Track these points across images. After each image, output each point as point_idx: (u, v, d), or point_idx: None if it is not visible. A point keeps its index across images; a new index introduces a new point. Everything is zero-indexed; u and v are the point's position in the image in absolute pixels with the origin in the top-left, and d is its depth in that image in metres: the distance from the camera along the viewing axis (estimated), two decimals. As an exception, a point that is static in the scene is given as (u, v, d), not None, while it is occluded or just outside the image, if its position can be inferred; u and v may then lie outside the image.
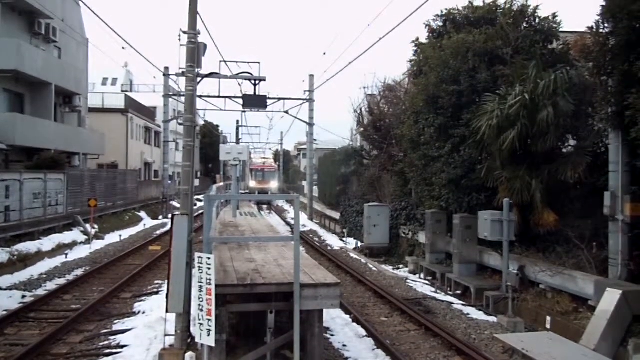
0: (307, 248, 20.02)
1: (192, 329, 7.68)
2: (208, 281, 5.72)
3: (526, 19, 14.45)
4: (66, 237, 19.61)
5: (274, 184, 46.61)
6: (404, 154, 19.67)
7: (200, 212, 23.61)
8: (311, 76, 31.91)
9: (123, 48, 36.00)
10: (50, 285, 13.24)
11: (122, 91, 48.37)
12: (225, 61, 20.15)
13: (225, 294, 6.37)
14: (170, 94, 33.13)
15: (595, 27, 10.09)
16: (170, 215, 18.89)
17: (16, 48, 21.42)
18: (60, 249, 17.94)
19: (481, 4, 15.79)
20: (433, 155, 14.96)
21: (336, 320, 10.40)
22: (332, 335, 9.59)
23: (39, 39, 25.07)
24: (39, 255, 16.37)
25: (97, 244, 20.05)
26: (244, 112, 33.61)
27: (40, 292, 12.52)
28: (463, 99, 13.93)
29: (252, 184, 46.03)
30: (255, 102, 20.72)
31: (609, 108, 9.87)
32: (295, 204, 6.79)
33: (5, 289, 12.43)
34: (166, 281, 7.77)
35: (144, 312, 10.71)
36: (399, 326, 10.34)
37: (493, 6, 15.41)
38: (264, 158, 58.72)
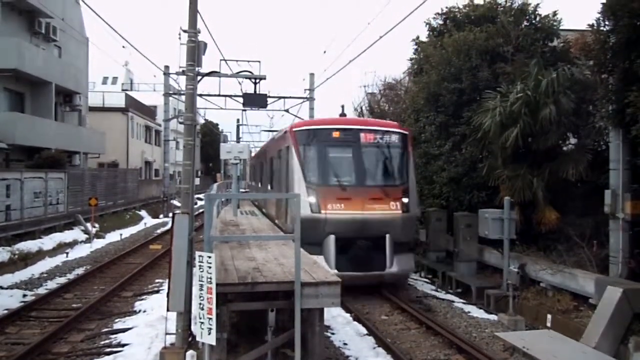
0: (307, 246, 19.96)
1: (193, 327, 7.68)
2: (209, 280, 5.71)
3: (527, 17, 14.47)
4: (67, 236, 19.62)
5: (412, 203, 12.48)
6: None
7: (201, 210, 23.63)
8: (311, 75, 31.84)
9: (123, 47, 35.91)
10: (51, 284, 13.25)
11: (123, 90, 48.37)
12: (225, 60, 20.14)
13: (226, 292, 6.37)
14: (171, 92, 33.10)
15: (595, 25, 10.09)
16: (170, 214, 18.93)
17: (16, 47, 21.42)
18: (61, 247, 17.95)
19: (482, 2, 15.80)
20: (434, 153, 14.96)
21: (337, 318, 10.39)
22: (333, 333, 9.59)
23: (39, 38, 25.07)
24: (40, 254, 16.38)
25: (98, 243, 20.06)
26: (244, 110, 33.48)
27: (41, 291, 12.53)
28: (464, 96, 13.94)
29: (310, 199, 11.72)
30: (255, 100, 20.69)
31: (609, 106, 9.87)
32: (296, 202, 6.78)
33: (6, 288, 12.44)
34: (167, 280, 7.77)
35: (144, 311, 10.71)
36: (400, 324, 10.34)
37: (494, 4, 15.42)
38: None
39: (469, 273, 13.12)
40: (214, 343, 5.74)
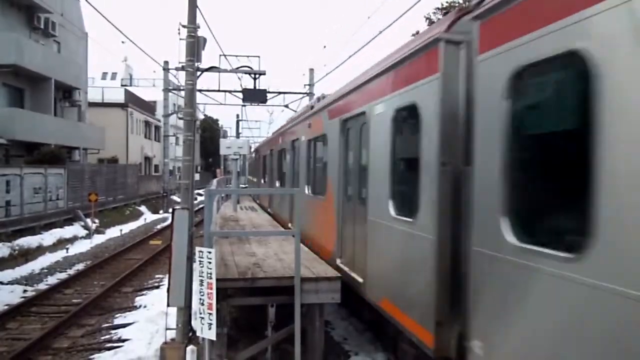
0: (307, 242, 19.98)
1: (193, 322, 7.70)
2: (209, 275, 5.72)
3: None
4: (67, 231, 19.65)
5: None
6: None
7: (201, 206, 23.64)
8: (311, 70, 31.75)
9: (122, 42, 36.06)
10: (52, 280, 13.27)
11: (122, 85, 48.34)
12: (225, 55, 20.18)
13: (226, 287, 6.39)
14: (170, 88, 33.07)
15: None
16: (170, 210, 18.96)
17: (16, 42, 21.40)
18: (61, 243, 17.98)
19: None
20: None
21: (337, 313, 10.41)
22: (333, 329, 9.60)
23: (38, 33, 25.03)
24: (40, 250, 16.40)
25: (98, 239, 20.09)
26: (244, 106, 33.47)
27: (42, 286, 12.56)
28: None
29: None
30: (255, 96, 20.70)
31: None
32: (297, 197, 6.79)
33: (7, 284, 12.47)
34: (167, 275, 7.78)
35: (145, 306, 10.74)
36: (400, 319, 10.32)
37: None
38: None
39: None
40: (214, 338, 5.76)
